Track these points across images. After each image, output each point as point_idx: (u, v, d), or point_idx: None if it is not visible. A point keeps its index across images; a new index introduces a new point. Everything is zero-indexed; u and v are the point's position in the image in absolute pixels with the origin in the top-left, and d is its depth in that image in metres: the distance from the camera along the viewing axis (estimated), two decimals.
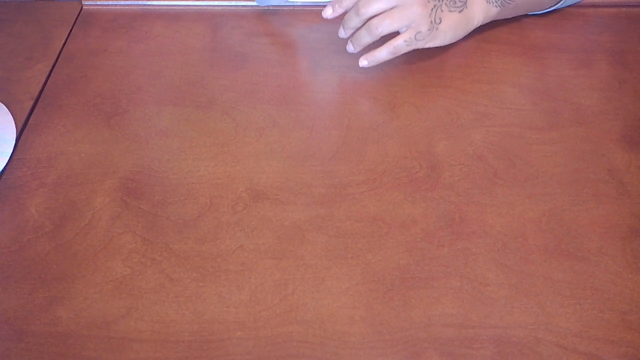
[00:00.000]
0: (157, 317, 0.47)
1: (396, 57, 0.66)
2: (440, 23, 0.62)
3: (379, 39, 0.63)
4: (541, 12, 0.74)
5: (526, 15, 0.75)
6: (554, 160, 0.58)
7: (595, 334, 0.46)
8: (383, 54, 0.64)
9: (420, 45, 0.63)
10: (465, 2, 0.64)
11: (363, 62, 0.65)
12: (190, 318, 0.47)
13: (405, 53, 0.66)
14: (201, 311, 0.47)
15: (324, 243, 0.52)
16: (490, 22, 0.71)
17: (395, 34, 0.63)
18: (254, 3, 0.76)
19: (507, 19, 0.73)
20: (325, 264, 0.50)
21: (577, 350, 0.45)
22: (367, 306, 0.48)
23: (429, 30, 0.62)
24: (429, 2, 0.61)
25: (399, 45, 0.63)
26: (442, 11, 0.62)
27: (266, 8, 0.76)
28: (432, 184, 0.56)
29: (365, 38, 0.64)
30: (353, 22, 0.64)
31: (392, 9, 0.61)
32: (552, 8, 0.74)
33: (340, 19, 0.66)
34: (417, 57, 0.69)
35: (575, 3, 0.76)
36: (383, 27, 0.61)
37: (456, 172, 0.57)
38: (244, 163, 0.58)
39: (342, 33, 0.66)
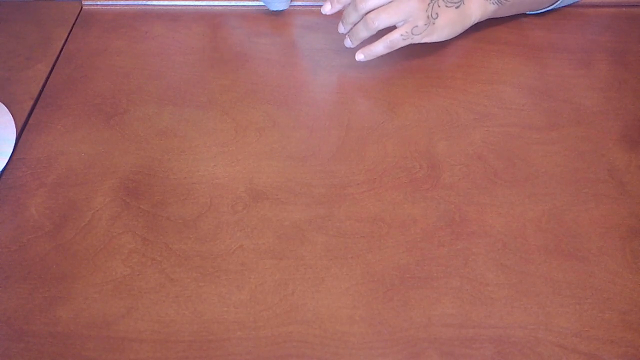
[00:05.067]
0: (157, 317, 0.47)
1: (396, 57, 0.66)
2: (437, 18, 0.63)
3: (377, 34, 0.63)
4: (539, 11, 0.74)
5: (526, 15, 0.75)
6: (554, 160, 0.58)
7: (595, 334, 0.46)
8: (379, 47, 0.64)
9: (417, 40, 0.63)
10: None
11: (359, 55, 0.65)
12: (190, 318, 0.47)
13: (405, 53, 0.66)
14: (201, 311, 0.47)
15: (324, 243, 0.52)
16: (489, 22, 0.71)
17: (392, 29, 0.63)
18: (254, 3, 0.76)
19: (506, 19, 0.73)
20: (325, 264, 0.50)
21: (577, 350, 0.45)
22: (367, 306, 0.48)
23: (426, 24, 0.62)
24: None
25: (395, 39, 0.63)
26: (439, 6, 0.62)
27: (266, 8, 0.76)
28: (432, 184, 0.56)
29: (363, 32, 0.64)
30: (351, 17, 0.64)
31: (389, 3, 0.61)
32: (550, 7, 0.74)
33: (340, 16, 0.66)
34: (417, 57, 0.69)
35: (574, 3, 0.76)
36: (380, 21, 0.62)
37: (456, 172, 0.57)
38: (244, 163, 0.58)
39: (342, 28, 0.66)
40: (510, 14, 0.72)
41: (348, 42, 0.66)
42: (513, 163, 0.58)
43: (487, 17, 0.69)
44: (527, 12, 0.75)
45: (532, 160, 0.58)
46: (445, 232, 0.52)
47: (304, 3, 0.76)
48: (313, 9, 0.76)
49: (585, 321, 0.47)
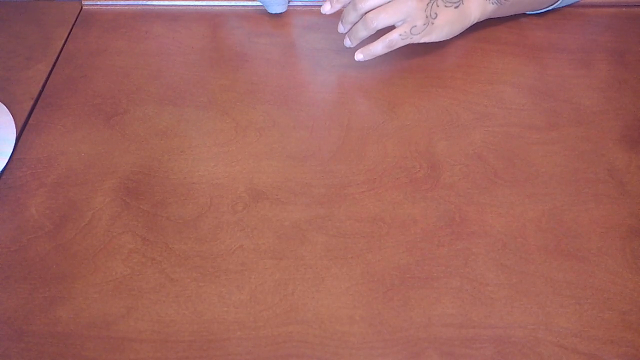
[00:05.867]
0: (157, 317, 0.47)
1: (396, 57, 0.66)
2: (436, 18, 0.63)
3: (376, 33, 0.63)
4: (539, 11, 0.74)
5: (526, 15, 0.75)
6: (554, 160, 0.58)
7: (595, 334, 0.46)
8: (378, 47, 0.64)
9: (416, 39, 0.63)
10: None
11: (359, 55, 0.65)
12: (190, 318, 0.47)
13: (405, 53, 0.66)
14: (201, 311, 0.47)
15: (324, 243, 0.52)
16: (489, 22, 0.71)
17: (391, 28, 0.63)
18: (254, 3, 0.76)
19: (506, 19, 0.73)
20: (325, 264, 0.50)
21: (577, 350, 0.45)
22: (367, 306, 0.48)
23: (425, 24, 0.62)
24: None
25: (394, 39, 0.63)
26: (437, 6, 0.62)
27: (266, 8, 0.76)
28: (432, 184, 0.56)
29: (362, 32, 0.64)
30: (351, 16, 0.64)
31: (388, 3, 0.61)
32: (550, 7, 0.74)
33: (340, 15, 0.66)
34: (418, 56, 0.69)
35: (573, 3, 0.76)
36: (378, 21, 0.62)
37: (456, 172, 0.57)
38: (244, 163, 0.58)
39: (341, 28, 0.66)
40: (509, 14, 0.72)
41: (347, 42, 0.66)
42: (513, 163, 0.58)
43: (487, 17, 0.69)
44: (527, 12, 0.75)
45: (532, 160, 0.58)
46: (445, 232, 0.52)
47: (304, 3, 0.76)
48: (313, 9, 0.76)
49: (585, 321, 0.47)
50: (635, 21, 0.75)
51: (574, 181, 0.56)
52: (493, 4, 0.67)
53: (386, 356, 0.45)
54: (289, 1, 0.75)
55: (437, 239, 0.52)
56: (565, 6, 0.76)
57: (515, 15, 0.74)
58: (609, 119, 0.62)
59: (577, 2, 0.76)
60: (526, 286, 0.49)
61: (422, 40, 0.64)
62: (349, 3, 0.63)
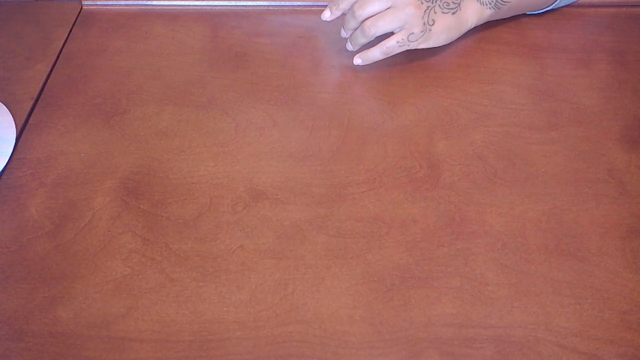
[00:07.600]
0: (157, 317, 0.47)
1: (396, 57, 0.66)
2: (433, 24, 0.63)
3: (377, 37, 0.63)
4: (537, 12, 0.74)
5: (525, 15, 0.75)
6: (554, 160, 0.58)
7: (595, 334, 0.46)
8: (376, 53, 0.64)
9: (413, 46, 0.63)
10: (459, 4, 0.64)
11: (357, 60, 0.65)
12: (190, 318, 0.47)
13: (405, 53, 0.66)
14: (201, 311, 0.47)
15: (324, 243, 0.52)
16: (489, 22, 0.71)
17: (390, 34, 0.63)
18: (254, 3, 0.76)
19: (506, 19, 0.73)
20: (325, 264, 0.50)
21: (577, 350, 0.45)
22: (367, 306, 0.48)
23: (422, 31, 0.62)
24: (422, 3, 0.62)
25: (391, 46, 0.63)
26: (435, 12, 0.62)
27: (266, 9, 0.76)
28: (432, 183, 0.56)
29: (361, 39, 0.64)
30: (350, 24, 0.64)
31: (386, 10, 0.62)
32: (548, 8, 0.74)
33: (341, 18, 0.66)
34: (418, 57, 0.69)
35: (571, 3, 0.76)
36: (376, 28, 0.62)
37: (456, 172, 0.57)
38: (244, 163, 0.58)
39: (343, 33, 0.67)
40: (507, 16, 0.73)
41: (349, 46, 0.67)
42: (513, 163, 0.58)
43: (484, 22, 0.69)
44: (527, 13, 0.75)
45: (532, 160, 0.58)
46: (445, 232, 0.52)
47: (304, 3, 0.76)
48: (313, 9, 0.76)
49: (585, 321, 0.47)
50: (635, 21, 0.75)
51: (574, 181, 0.56)
52: (490, 8, 0.67)
53: (386, 356, 0.45)
54: None
55: (437, 239, 0.52)
56: (564, 6, 0.76)
57: (514, 15, 0.74)
58: (609, 119, 0.62)
59: (575, 2, 0.76)
60: (526, 286, 0.49)
61: (420, 47, 0.64)
62: (349, 10, 0.64)
